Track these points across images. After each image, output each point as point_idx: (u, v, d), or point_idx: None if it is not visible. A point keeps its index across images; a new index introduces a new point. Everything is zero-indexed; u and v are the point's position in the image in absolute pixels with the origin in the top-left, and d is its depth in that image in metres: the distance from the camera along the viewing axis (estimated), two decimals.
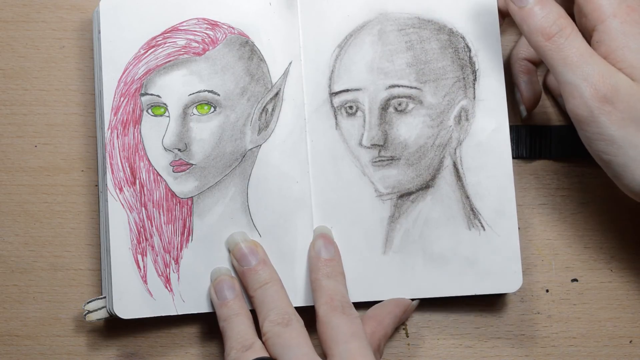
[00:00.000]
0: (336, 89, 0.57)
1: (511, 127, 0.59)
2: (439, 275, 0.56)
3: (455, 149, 0.57)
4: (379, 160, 0.57)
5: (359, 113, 0.57)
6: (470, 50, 0.57)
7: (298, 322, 0.52)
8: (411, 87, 0.57)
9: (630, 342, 0.59)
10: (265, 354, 0.50)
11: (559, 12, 0.51)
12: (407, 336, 0.59)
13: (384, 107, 0.57)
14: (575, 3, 0.52)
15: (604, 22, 0.50)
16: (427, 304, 0.58)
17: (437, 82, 0.57)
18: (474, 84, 0.56)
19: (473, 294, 0.56)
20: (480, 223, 0.56)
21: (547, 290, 0.59)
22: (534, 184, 0.60)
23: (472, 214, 0.56)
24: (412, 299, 0.57)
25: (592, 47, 0.51)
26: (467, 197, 0.56)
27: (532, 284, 0.59)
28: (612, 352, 0.59)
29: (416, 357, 0.59)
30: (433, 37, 0.57)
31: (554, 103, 0.61)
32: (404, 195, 0.57)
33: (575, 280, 0.59)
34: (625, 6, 0.50)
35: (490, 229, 0.56)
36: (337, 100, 0.57)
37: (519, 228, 0.59)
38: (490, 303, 0.59)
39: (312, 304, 0.54)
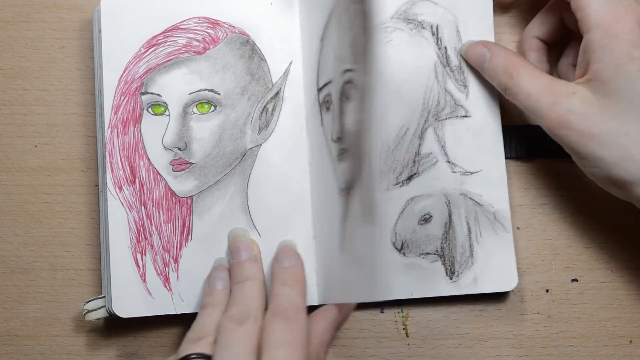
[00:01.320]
0: (320, 84, 0.55)
1: (511, 127, 0.59)
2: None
3: None
4: (340, 154, 0.53)
5: (332, 106, 0.54)
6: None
7: (254, 323, 0.49)
8: (352, 70, 0.50)
9: (630, 342, 0.59)
10: (206, 351, 0.48)
11: (505, 62, 0.53)
12: (407, 336, 0.59)
13: (341, 96, 0.52)
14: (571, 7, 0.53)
15: (589, 33, 0.50)
16: (428, 304, 0.58)
17: (360, 57, 0.48)
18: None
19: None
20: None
21: (547, 290, 0.59)
22: (534, 184, 0.60)
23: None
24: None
25: (579, 55, 0.52)
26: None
27: (532, 284, 0.59)
28: (612, 352, 0.59)
29: (416, 357, 0.59)
30: (350, 7, 0.49)
31: None
32: (349, 189, 0.51)
33: (575, 280, 0.59)
34: (610, 16, 0.50)
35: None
36: (320, 96, 0.55)
37: (518, 228, 0.59)
38: (490, 303, 0.59)
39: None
